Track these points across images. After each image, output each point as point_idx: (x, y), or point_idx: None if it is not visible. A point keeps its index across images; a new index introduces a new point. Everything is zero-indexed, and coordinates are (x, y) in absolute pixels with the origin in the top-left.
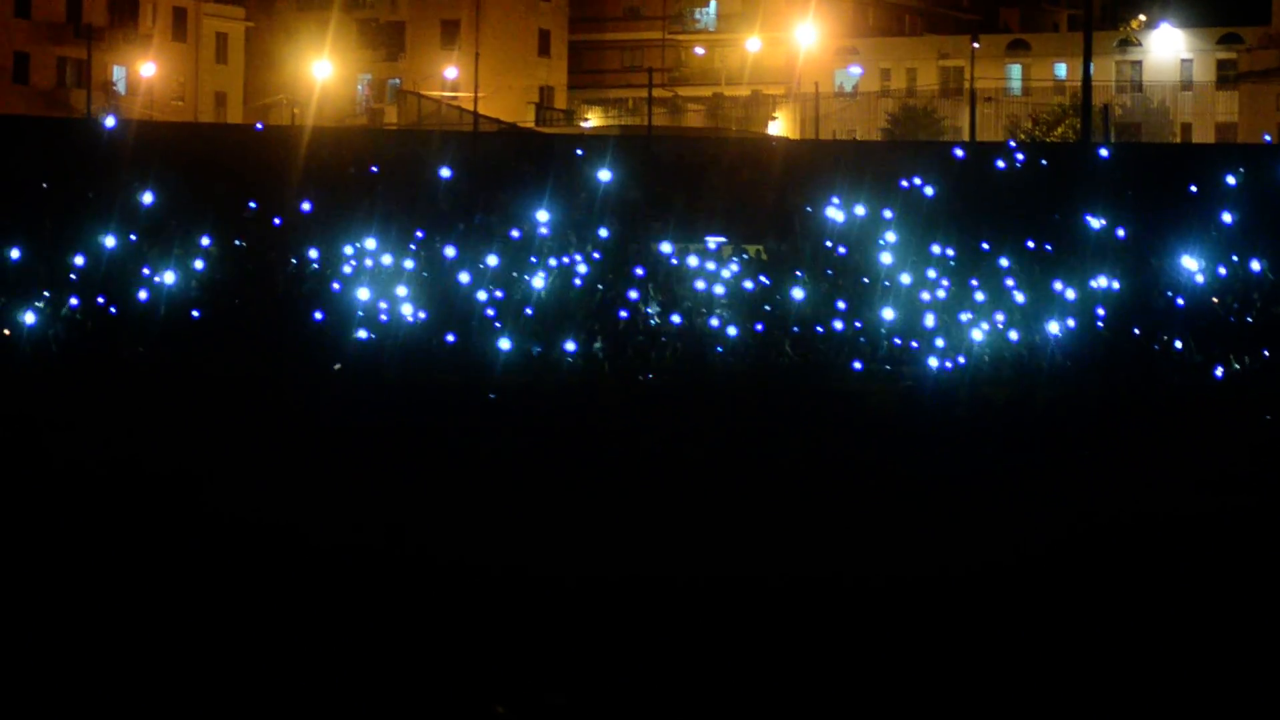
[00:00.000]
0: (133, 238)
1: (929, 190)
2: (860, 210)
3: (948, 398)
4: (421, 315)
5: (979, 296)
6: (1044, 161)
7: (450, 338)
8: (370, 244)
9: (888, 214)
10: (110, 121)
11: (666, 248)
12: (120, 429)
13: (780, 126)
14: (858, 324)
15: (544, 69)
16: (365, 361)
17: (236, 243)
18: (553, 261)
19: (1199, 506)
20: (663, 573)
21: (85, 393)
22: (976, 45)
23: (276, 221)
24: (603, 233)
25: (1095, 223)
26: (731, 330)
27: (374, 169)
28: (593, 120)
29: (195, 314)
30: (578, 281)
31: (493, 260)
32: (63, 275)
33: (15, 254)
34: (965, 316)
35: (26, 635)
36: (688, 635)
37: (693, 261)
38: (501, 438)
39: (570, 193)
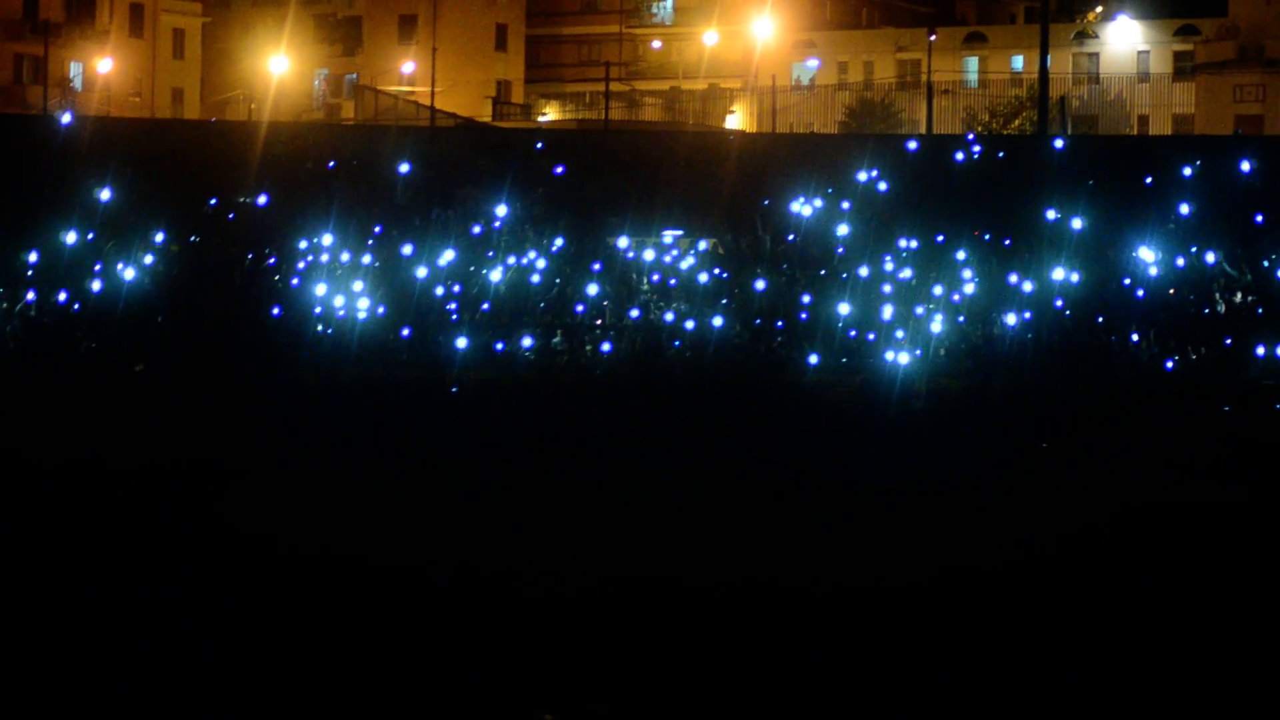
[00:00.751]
0: (90, 234)
1: (885, 183)
2: (817, 203)
3: (905, 390)
4: (380, 310)
5: (936, 289)
6: (1001, 154)
7: (408, 333)
8: (327, 240)
9: (845, 206)
10: (66, 118)
11: (624, 242)
12: (75, 425)
13: (738, 120)
14: (815, 317)
15: (501, 63)
16: (323, 357)
17: (192, 239)
18: (510, 256)
19: (1161, 497)
20: (617, 573)
21: (40, 389)
22: (933, 38)
23: (232, 217)
24: (560, 227)
25: (1052, 214)
26: (689, 324)
27: (331, 164)
28: (550, 114)
29: (152, 310)
30: (535, 276)
31: (450, 255)
32: (19, 271)
33: None
34: (922, 309)
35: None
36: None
37: (650, 255)
38: (461, 433)
39: (527, 187)
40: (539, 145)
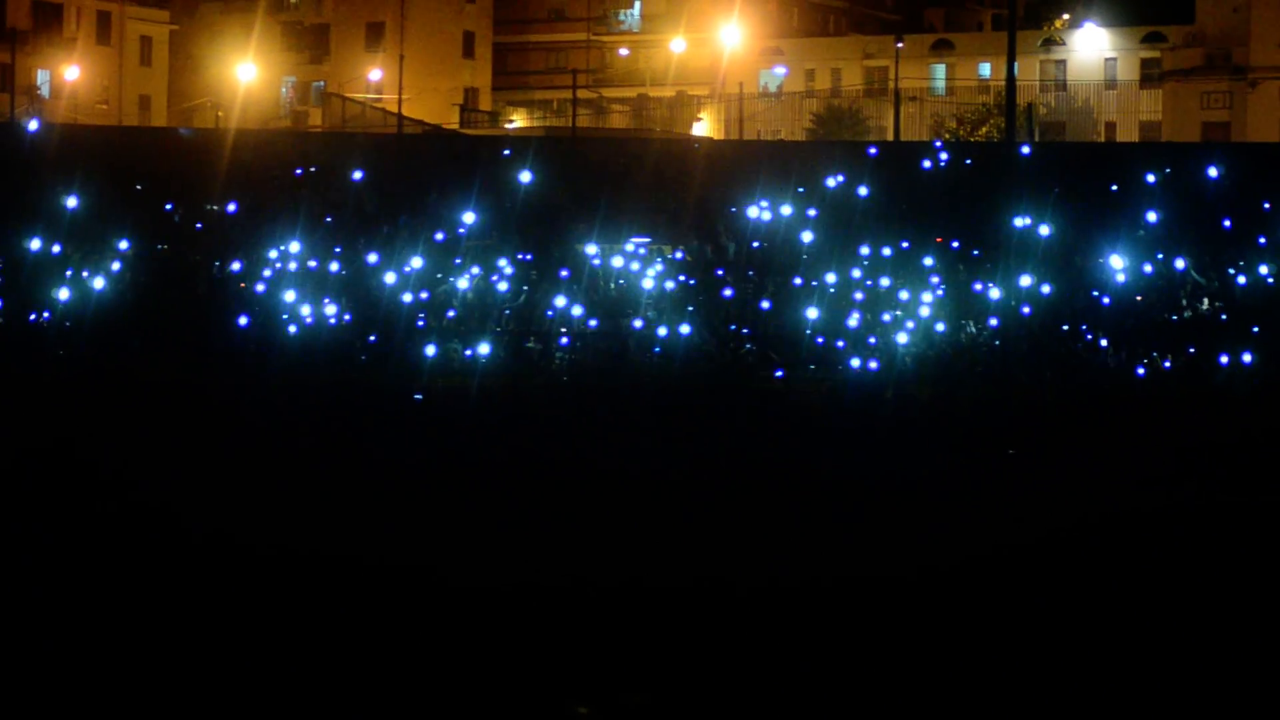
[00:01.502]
0: (57, 241)
1: (853, 190)
2: (784, 210)
3: (872, 397)
4: (346, 318)
5: (903, 295)
6: (968, 160)
7: (374, 339)
8: (294, 247)
9: (811, 213)
10: (34, 125)
11: (591, 249)
12: (43, 432)
13: (705, 127)
14: (781, 323)
15: (468, 71)
16: (290, 364)
17: (160, 246)
18: (477, 263)
19: (1127, 503)
20: (580, 574)
21: (8, 396)
22: (901, 45)
23: (199, 225)
24: (527, 234)
25: (1020, 221)
26: (658, 331)
27: (298, 172)
28: (517, 121)
29: (119, 317)
30: (503, 283)
31: (417, 262)
32: None
33: None
34: (890, 315)
35: None
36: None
37: (617, 262)
38: (426, 440)
39: (495, 194)
40: (506, 152)
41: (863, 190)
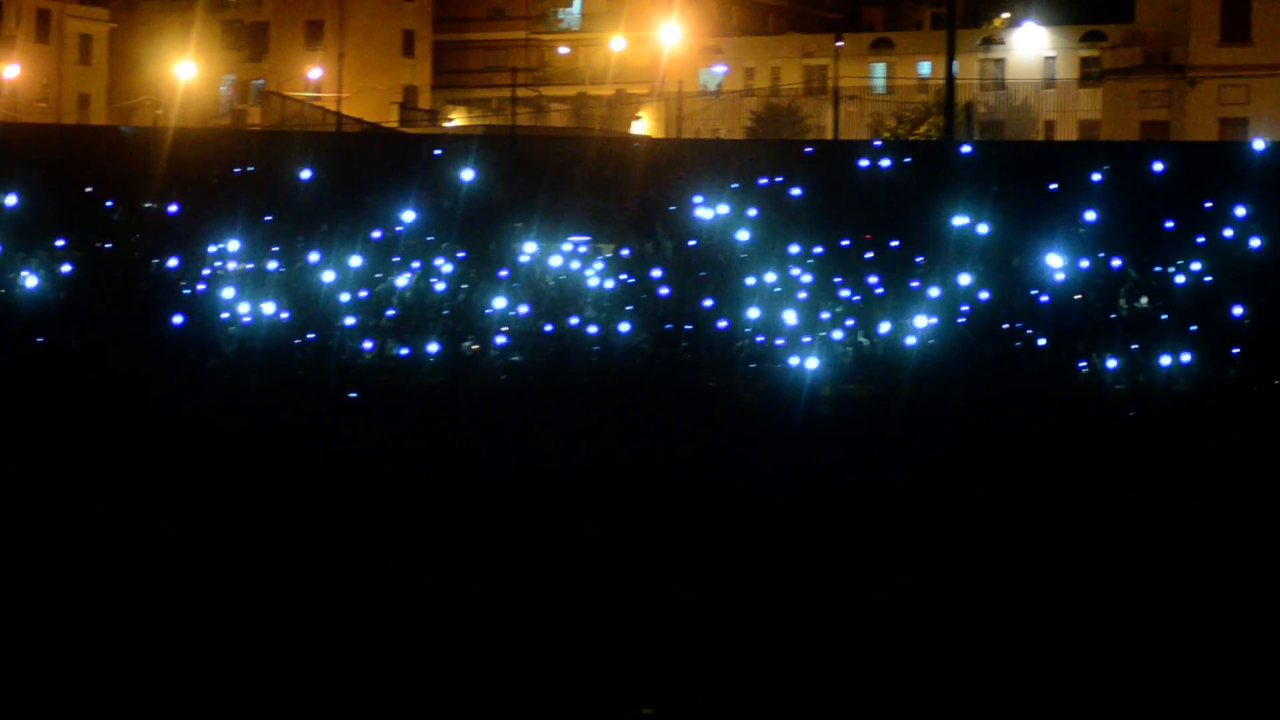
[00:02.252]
0: None
1: (791, 188)
2: (723, 208)
3: (811, 396)
4: (284, 316)
5: (842, 294)
6: (908, 159)
7: (312, 338)
8: (232, 245)
9: (751, 212)
10: None
11: (530, 247)
12: None
13: (644, 126)
14: (721, 323)
15: (408, 69)
16: (228, 362)
17: (99, 245)
18: (415, 262)
19: (1066, 506)
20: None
21: None
22: (840, 44)
23: (138, 223)
24: (465, 233)
25: (959, 220)
26: (593, 330)
27: (236, 170)
28: (457, 120)
29: (58, 316)
30: (440, 282)
31: (355, 261)
32: None
33: None
34: (828, 314)
35: None
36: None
37: (556, 261)
38: (361, 438)
39: (433, 193)
40: (437, 151)
41: (802, 189)
